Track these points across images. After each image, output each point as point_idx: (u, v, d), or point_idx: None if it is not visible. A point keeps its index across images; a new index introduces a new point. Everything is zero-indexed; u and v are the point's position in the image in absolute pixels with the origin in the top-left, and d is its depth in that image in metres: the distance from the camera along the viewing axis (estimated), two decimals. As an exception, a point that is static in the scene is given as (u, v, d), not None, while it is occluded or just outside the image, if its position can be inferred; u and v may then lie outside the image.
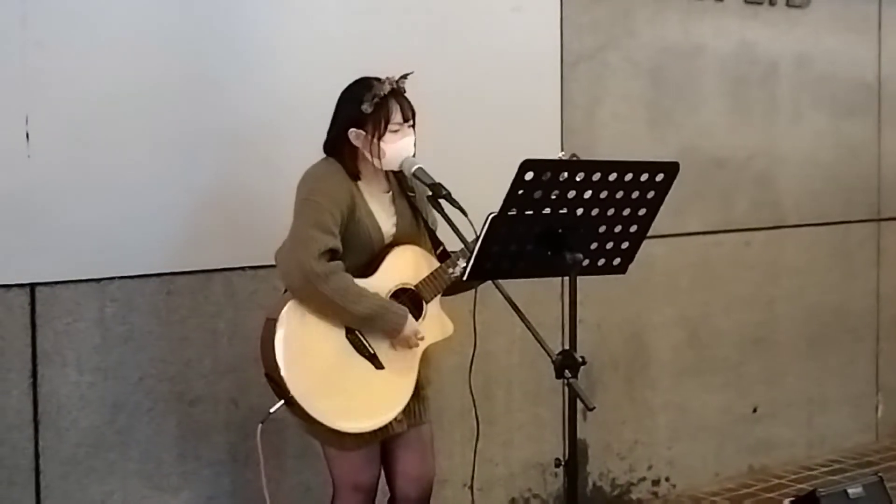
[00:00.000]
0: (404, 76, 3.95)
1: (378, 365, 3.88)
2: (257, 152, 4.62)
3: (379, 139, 3.88)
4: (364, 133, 3.90)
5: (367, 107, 3.88)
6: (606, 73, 5.79)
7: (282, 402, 3.82)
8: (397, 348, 3.91)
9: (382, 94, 3.88)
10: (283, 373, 3.79)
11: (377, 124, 3.88)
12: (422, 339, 3.93)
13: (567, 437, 3.47)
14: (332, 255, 3.79)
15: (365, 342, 3.87)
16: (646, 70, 5.94)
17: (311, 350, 3.85)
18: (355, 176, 3.95)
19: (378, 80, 3.90)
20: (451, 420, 5.04)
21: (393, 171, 4.03)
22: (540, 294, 5.07)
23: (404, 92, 3.94)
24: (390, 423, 3.95)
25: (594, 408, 3.37)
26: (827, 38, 6.69)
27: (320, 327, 3.84)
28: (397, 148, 3.90)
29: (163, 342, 4.49)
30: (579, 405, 3.43)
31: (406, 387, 3.95)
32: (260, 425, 3.87)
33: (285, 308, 3.82)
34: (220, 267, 4.59)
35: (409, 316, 3.88)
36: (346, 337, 3.86)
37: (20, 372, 4.20)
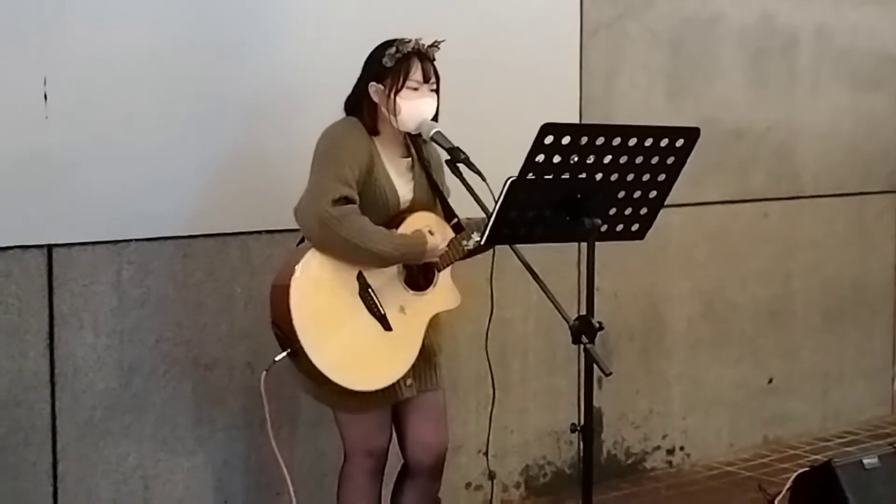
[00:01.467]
0: (435, 43, 3.95)
1: (387, 326, 3.88)
2: (274, 118, 4.61)
3: (395, 94, 3.88)
4: (383, 88, 3.90)
5: (387, 60, 3.89)
6: (625, 43, 5.76)
7: (287, 351, 3.83)
8: (412, 296, 3.90)
9: (406, 51, 3.89)
10: (294, 321, 3.78)
11: (396, 79, 3.88)
12: (447, 246, 3.92)
13: (584, 402, 3.45)
14: (347, 203, 3.79)
15: (377, 302, 3.86)
16: (665, 40, 5.92)
17: (323, 303, 3.84)
18: (374, 132, 3.95)
19: (405, 39, 3.91)
20: (467, 387, 5.05)
21: (412, 140, 4.02)
22: (556, 262, 5.08)
23: (432, 58, 3.95)
24: (399, 386, 3.95)
25: (611, 373, 3.36)
26: (847, 10, 6.66)
27: (334, 283, 3.84)
28: (414, 106, 3.90)
29: (179, 306, 4.49)
30: (596, 372, 3.43)
31: (411, 351, 3.93)
32: (264, 373, 3.89)
33: (303, 258, 3.81)
34: (236, 231, 4.60)
35: (428, 238, 3.87)
36: (359, 294, 3.86)
37: (37, 333, 4.21)
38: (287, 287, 3.80)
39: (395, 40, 3.92)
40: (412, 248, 3.85)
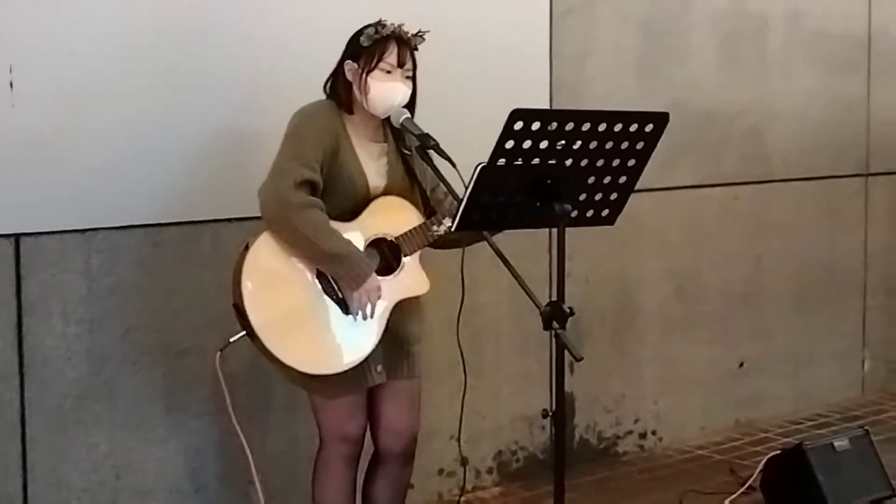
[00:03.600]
0: (419, 33, 3.96)
1: (345, 310, 3.87)
2: (245, 105, 4.58)
3: (367, 73, 3.88)
4: (356, 66, 3.91)
5: (364, 40, 3.91)
6: (596, 25, 5.75)
7: (243, 332, 3.83)
8: (355, 299, 3.87)
9: (385, 33, 3.90)
10: (245, 303, 3.78)
11: (370, 58, 3.89)
12: (379, 297, 3.88)
13: (555, 388, 3.45)
14: (310, 188, 3.79)
15: (335, 285, 3.86)
16: (636, 23, 5.91)
17: (278, 284, 3.85)
18: (349, 110, 3.95)
19: (385, 22, 3.93)
20: (439, 373, 5.02)
21: (392, 127, 4.01)
22: (527, 247, 5.06)
23: (413, 46, 3.95)
24: (369, 372, 3.94)
25: (582, 358, 3.35)
26: (818, -7, 6.67)
27: (291, 263, 3.84)
28: (385, 88, 3.89)
29: (149, 294, 4.47)
30: (567, 357, 3.42)
31: (371, 335, 3.91)
32: (219, 353, 3.93)
33: (259, 238, 3.83)
34: (206, 218, 4.57)
35: (374, 274, 3.86)
36: (317, 277, 3.85)
37: (5, 323, 4.19)
38: (241, 266, 3.81)
39: (376, 22, 3.93)
40: (357, 265, 3.81)
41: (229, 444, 4.55)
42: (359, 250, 3.86)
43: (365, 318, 3.86)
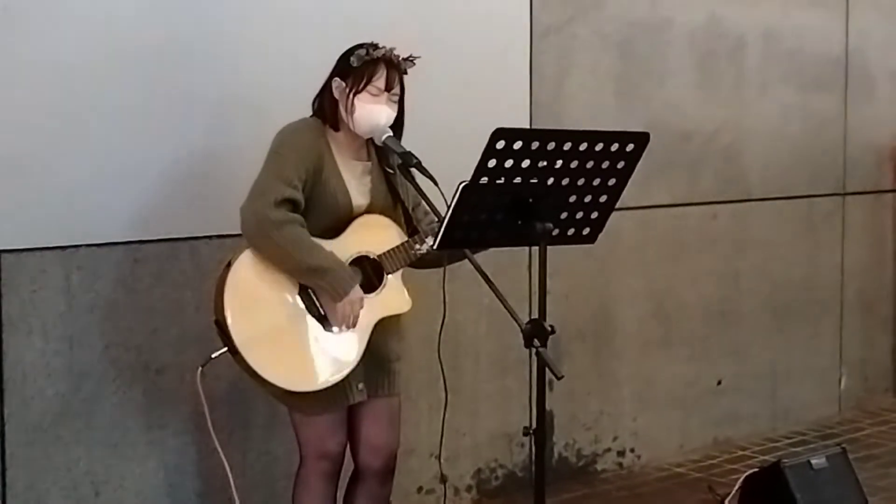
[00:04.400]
0: (410, 57, 3.98)
1: (328, 327, 3.88)
2: (224, 122, 4.59)
3: (355, 94, 3.90)
4: (344, 85, 3.93)
5: (354, 60, 3.93)
6: (575, 46, 5.79)
7: (225, 349, 3.84)
8: (337, 313, 3.88)
9: (375, 56, 3.92)
10: (227, 319, 3.79)
11: (358, 79, 3.91)
12: (362, 308, 3.89)
13: (535, 406, 3.47)
14: (291, 206, 3.81)
15: (317, 302, 3.87)
16: (614, 43, 5.95)
17: (261, 301, 3.86)
18: (335, 127, 3.97)
19: (377, 44, 3.94)
20: (419, 390, 5.05)
21: (375, 146, 4.03)
22: (507, 265, 5.09)
23: (402, 70, 3.98)
24: (350, 390, 3.95)
25: (562, 376, 3.38)
26: (795, 13, 6.72)
27: (273, 280, 3.85)
28: (370, 110, 3.91)
29: (129, 311, 4.47)
30: (548, 374, 3.44)
31: (353, 352, 3.92)
32: (200, 369, 3.94)
33: (241, 255, 3.84)
34: (186, 236, 4.57)
35: (357, 286, 3.86)
36: (299, 294, 3.87)
37: (-15, 339, 4.19)
38: (223, 281, 3.82)
39: (368, 44, 3.95)
40: (341, 277, 3.81)
41: (208, 462, 4.55)
42: (341, 262, 3.86)
43: (348, 328, 3.87)
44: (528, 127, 5.44)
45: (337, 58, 4.02)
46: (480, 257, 3.72)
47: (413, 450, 5.15)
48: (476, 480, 5.56)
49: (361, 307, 3.89)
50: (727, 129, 6.46)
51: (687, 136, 6.26)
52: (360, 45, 3.95)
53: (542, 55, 5.63)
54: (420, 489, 5.31)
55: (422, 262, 4.01)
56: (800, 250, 6.89)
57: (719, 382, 6.53)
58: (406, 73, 4.00)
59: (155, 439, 4.56)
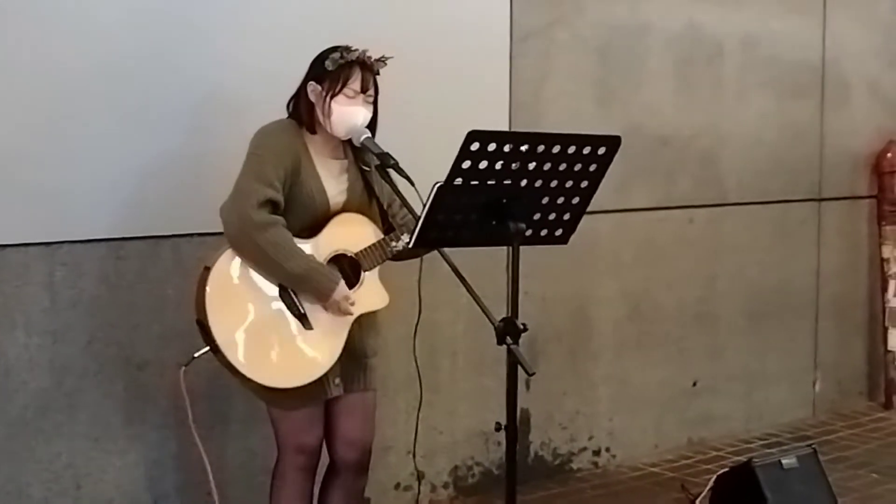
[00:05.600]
0: (382, 58, 4.04)
1: (307, 325, 3.95)
2: (207, 121, 4.65)
3: (331, 97, 3.96)
4: (320, 89, 3.98)
5: (329, 64, 3.98)
6: (555, 50, 5.85)
7: (207, 348, 3.91)
8: (329, 312, 3.96)
9: (350, 59, 3.98)
10: (208, 319, 3.86)
11: (334, 83, 3.97)
12: (352, 304, 3.97)
13: (508, 402, 3.53)
14: (272, 207, 3.86)
15: (296, 301, 3.93)
16: (593, 47, 6.01)
17: (241, 301, 3.92)
18: (311, 129, 4.02)
19: (351, 47, 4.00)
20: (396, 388, 5.11)
21: (351, 145, 4.09)
22: (485, 266, 5.09)
23: (375, 71, 4.04)
24: (327, 385, 4.01)
25: (534, 373, 3.46)
26: (772, 20, 6.78)
27: (253, 280, 3.92)
28: (346, 112, 3.98)
29: (111, 307, 4.53)
30: (521, 373, 3.51)
31: (332, 350, 3.99)
32: (182, 368, 4.00)
33: (221, 256, 3.90)
34: (168, 233, 4.64)
35: (342, 282, 3.94)
36: (279, 294, 3.93)
37: (-31, 333, 4.25)
38: (204, 281, 3.88)
39: (342, 46, 4.01)
40: (321, 282, 3.90)
41: (188, 456, 4.60)
42: (321, 265, 3.93)
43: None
44: (507, 129, 5.49)
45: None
46: (457, 257, 3.77)
47: (391, 447, 5.22)
48: (453, 478, 5.62)
49: (351, 301, 3.96)
50: (705, 133, 6.53)
51: (664, 140, 6.33)
52: (334, 49, 4.01)
53: (521, 59, 5.70)
54: (398, 486, 5.38)
55: (399, 255, 4.08)
56: (775, 254, 6.95)
57: (694, 384, 6.60)
58: (378, 73, 4.06)
59: (135, 433, 4.62)
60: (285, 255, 3.84)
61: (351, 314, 3.98)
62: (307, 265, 3.88)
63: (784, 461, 5.19)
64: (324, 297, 3.92)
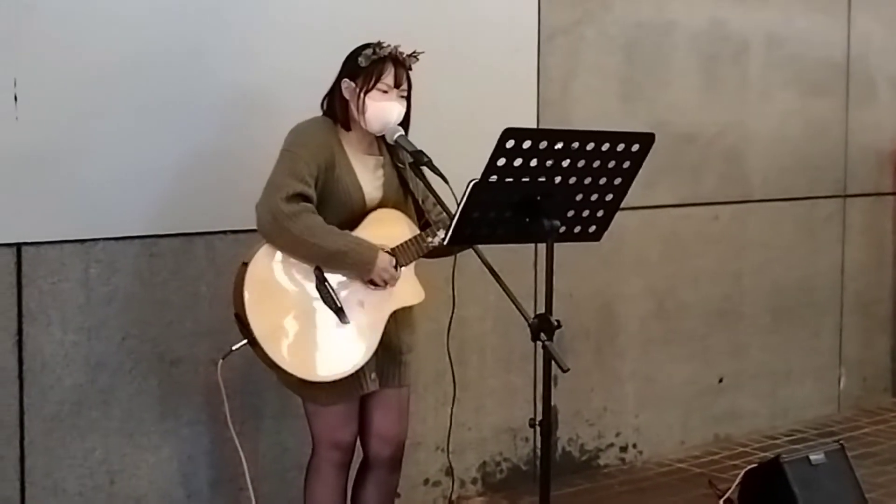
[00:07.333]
0: (414, 53, 4.07)
1: (344, 319, 3.97)
2: (241, 118, 4.69)
3: (365, 93, 3.99)
4: (354, 86, 4.01)
5: (362, 60, 4.01)
6: (582, 48, 5.88)
7: (245, 341, 3.94)
8: (372, 291, 3.98)
9: (382, 54, 4.01)
10: (247, 312, 3.89)
11: (367, 78, 4.00)
12: (397, 272, 3.98)
13: (542, 399, 3.55)
14: (303, 200, 3.89)
15: (333, 295, 3.95)
16: (620, 45, 6.03)
17: (279, 295, 3.95)
18: (346, 126, 4.05)
19: (383, 43, 4.03)
20: (426, 384, 5.14)
21: (385, 142, 4.11)
22: (512, 263, 5.10)
23: (408, 66, 4.06)
24: (363, 380, 4.04)
25: (568, 369, 3.47)
26: (797, 18, 6.80)
27: (290, 274, 3.95)
28: (381, 108, 4.00)
29: (145, 303, 4.57)
30: (553, 369, 3.53)
31: (368, 345, 4.01)
32: (220, 361, 4.03)
33: (258, 251, 3.93)
34: (202, 231, 4.67)
35: (381, 252, 3.95)
36: (316, 287, 3.95)
37: (6, 330, 4.28)
38: (242, 276, 3.91)
39: (374, 43, 4.04)
40: (361, 254, 3.91)
41: (221, 451, 4.65)
42: (358, 238, 3.95)
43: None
44: (535, 127, 5.53)
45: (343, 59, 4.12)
46: (485, 254, 3.80)
47: (420, 443, 5.25)
48: (481, 473, 5.65)
49: (397, 268, 3.98)
50: (730, 131, 6.54)
51: (690, 137, 6.34)
52: (367, 45, 4.04)
53: (549, 57, 5.72)
54: (427, 481, 5.41)
55: (432, 253, 4.10)
56: (800, 251, 6.97)
57: (720, 380, 6.61)
58: (411, 68, 4.08)
59: (169, 429, 4.65)
60: (322, 234, 3.87)
61: (395, 282, 3.98)
62: (345, 239, 3.91)
63: (812, 457, 5.19)
64: (366, 270, 3.93)
